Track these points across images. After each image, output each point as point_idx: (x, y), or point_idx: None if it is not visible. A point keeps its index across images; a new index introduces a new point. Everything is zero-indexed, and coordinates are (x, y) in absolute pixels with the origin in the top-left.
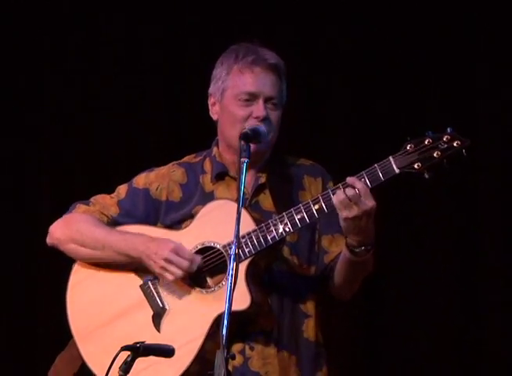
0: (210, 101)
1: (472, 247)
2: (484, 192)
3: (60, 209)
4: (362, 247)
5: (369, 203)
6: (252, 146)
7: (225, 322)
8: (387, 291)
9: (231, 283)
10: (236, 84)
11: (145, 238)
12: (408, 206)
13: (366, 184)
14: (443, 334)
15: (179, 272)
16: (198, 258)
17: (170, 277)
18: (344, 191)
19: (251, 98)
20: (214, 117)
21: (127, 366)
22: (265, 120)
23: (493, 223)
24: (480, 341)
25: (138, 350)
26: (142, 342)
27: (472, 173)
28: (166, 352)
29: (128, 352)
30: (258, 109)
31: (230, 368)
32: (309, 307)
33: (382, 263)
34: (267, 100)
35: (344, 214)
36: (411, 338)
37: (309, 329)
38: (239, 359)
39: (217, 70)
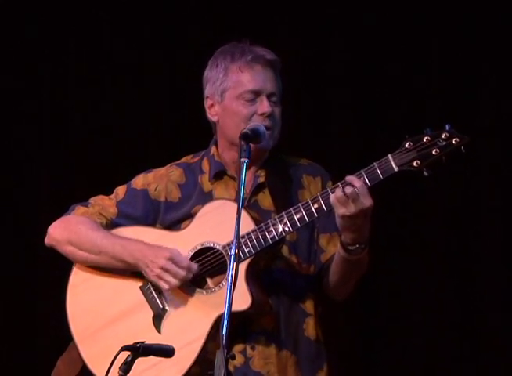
0: (208, 103)
1: (470, 248)
2: (484, 191)
3: (59, 209)
4: (357, 245)
5: (367, 202)
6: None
7: (225, 322)
8: (386, 290)
9: (231, 284)
10: (238, 83)
11: (141, 245)
12: (405, 206)
13: (365, 183)
14: (442, 334)
15: (174, 281)
16: (195, 266)
17: (165, 286)
18: (342, 189)
19: (254, 96)
20: (214, 118)
21: (127, 367)
22: (270, 116)
23: (493, 224)
24: (479, 340)
25: (138, 350)
26: (142, 342)
27: (471, 171)
28: (166, 352)
29: (128, 352)
30: (263, 106)
31: (231, 368)
32: (309, 306)
33: (381, 262)
34: (269, 96)
35: (340, 211)
36: (410, 338)
37: (310, 328)
38: (240, 359)
39: (211, 72)
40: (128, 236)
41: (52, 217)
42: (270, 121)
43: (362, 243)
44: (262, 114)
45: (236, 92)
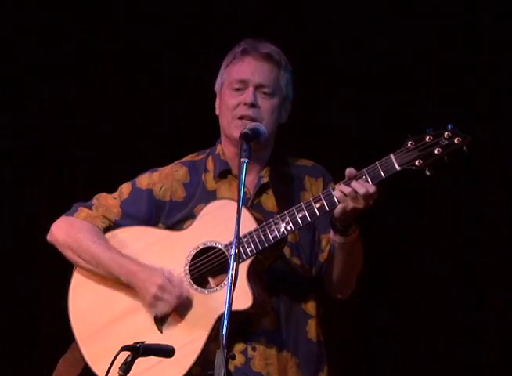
0: (216, 100)
1: (472, 246)
2: (484, 190)
3: (59, 209)
4: (352, 223)
5: (371, 189)
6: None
7: (225, 322)
8: (386, 290)
9: (231, 284)
10: (228, 74)
11: (136, 267)
12: (405, 205)
13: (367, 182)
14: (443, 333)
15: (165, 310)
16: (186, 293)
17: (157, 313)
18: (349, 185)
19: (242, 86)
20: (217, 112)
21: (127, 367)
22: (254, 107)
23: (494, 222)
24: (480, 339)
25: (138, 350)
26: (142, 342)
27: (473, 170)
28: (166, 352)
29: (128, 353)
30: (246, 95)
31: (232, 368)
32: (311, 307)
33: (381, 262)
34: (258, 88)
35: (350, 206)
36: (410, 338)
37: (312, 330)
38: (241, 360)
39: (220, 71)
40: (130, 238)
41: (51, 217)
42: (254, 111)
43: (353, 223)
44: (245, 104)
45: (227, 83)
